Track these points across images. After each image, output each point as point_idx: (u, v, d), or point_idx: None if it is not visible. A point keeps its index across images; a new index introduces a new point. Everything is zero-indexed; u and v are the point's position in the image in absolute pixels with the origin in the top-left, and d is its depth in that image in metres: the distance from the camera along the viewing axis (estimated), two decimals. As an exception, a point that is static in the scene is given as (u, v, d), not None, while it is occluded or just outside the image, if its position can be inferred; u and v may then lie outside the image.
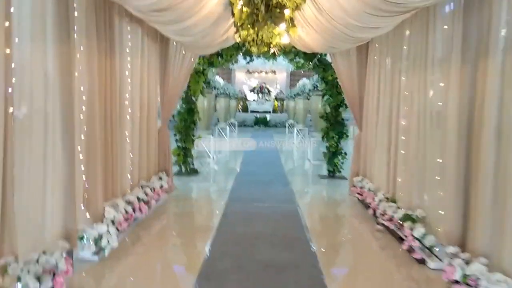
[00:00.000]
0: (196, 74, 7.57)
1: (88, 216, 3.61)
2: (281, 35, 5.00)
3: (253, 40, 5.10)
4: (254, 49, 5.52)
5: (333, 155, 7.59)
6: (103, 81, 3.90)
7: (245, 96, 24.99)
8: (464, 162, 3.27)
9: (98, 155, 3.72)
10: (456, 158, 3.30)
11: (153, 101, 5.66)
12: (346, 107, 7.53)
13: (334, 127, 7.54)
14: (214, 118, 16.21)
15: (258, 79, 25.33)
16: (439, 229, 3.50)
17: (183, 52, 6.00)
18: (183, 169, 7.67)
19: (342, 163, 7.63)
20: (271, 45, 5.21)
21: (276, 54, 6.76)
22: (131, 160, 4.75)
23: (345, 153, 7.58)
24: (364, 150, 5.96)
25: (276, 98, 25.07)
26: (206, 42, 5.40)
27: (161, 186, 5.41)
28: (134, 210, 4.25)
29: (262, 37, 4.92)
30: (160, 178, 5.60)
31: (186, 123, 7.60)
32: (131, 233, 4.21)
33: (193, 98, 7.69)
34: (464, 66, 3.25)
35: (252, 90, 25.11)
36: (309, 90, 9.71)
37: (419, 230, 3.62)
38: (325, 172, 7.83)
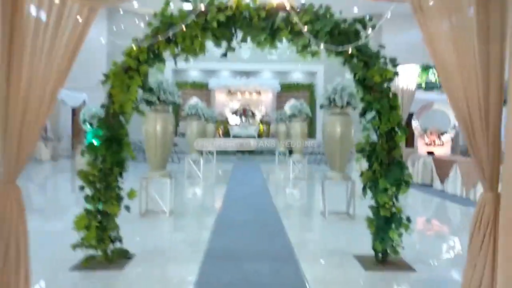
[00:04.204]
0: (126, 73, 3.99)
1: None
2: None
3: None
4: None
5: (386, 222, 4.02)
6: None
7: (226, 119, 21.47)
8: None
9: None
10: None
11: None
12: (405, 132, 4.07)
13: (387, 170, 3.99)
14: (185, 145, 12.43)
15: (241, 100, 22.04)
16: None
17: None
18: (100, 252, 3.94)
19: (401, 235, 4.06)
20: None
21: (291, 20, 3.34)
22: None
23: (409, 219, 4.03)
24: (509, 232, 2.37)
25: (261, 122, 21.69)
26: None
27: None
28: None
29: None
30: None
31: (105, 165, 3.93)
32: None
33: (121, 118, 4.06)
34: None
35: (234, 113, 21.68)
36: (321, 106, 6.18)
37: None
38: (366, 250, 4.24)
